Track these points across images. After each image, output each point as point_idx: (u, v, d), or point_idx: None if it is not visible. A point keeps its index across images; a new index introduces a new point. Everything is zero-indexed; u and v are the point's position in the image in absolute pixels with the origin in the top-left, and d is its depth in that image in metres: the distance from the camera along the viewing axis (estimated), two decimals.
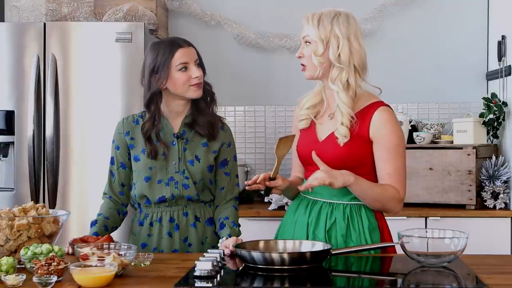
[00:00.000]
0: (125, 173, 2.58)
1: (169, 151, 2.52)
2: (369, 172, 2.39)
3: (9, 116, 3.65)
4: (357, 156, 2.35)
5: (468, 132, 3.84)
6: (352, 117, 2.33)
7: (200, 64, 2.55)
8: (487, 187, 3.71)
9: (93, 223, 2.51)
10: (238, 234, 2.50)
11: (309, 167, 2.44)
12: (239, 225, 2.55)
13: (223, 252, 2.20)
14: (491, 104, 3.83)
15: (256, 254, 2.01)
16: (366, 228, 2.36)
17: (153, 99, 2.52)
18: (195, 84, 2.49)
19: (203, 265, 1.94)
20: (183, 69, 2.48)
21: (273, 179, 2.34)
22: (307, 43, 2.38)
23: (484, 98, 3.91)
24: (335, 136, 2.36)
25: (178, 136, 2.55)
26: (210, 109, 2.59)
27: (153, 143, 2.51)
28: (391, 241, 2.44)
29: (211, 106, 2.59)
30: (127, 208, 2.62)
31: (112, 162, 2.59)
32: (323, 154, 2.35)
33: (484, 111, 3.89)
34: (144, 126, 2.53)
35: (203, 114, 2.55)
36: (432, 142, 3.94)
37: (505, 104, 3.81)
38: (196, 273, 1.94)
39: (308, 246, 2.19)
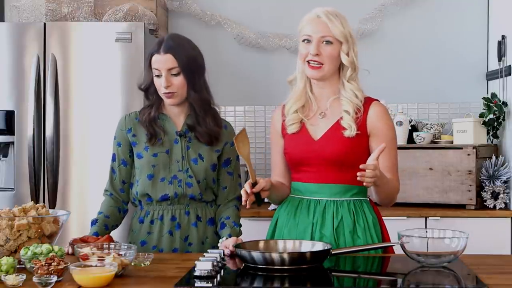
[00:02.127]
0: (126, 170, 2.58)
1: (172, 148, 2.53)
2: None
3: (9, 116, 3.65)
4: (356, 151, 2.37)
5: (468, 132, 3.84)
6: (358, 108, 2.37)
7: (184, 73, 2.46)
8: (487, 187, 3.71)
9: (94, 222, 2.50)
10: (238, 234, 2.50)
11: (301, 167, 2.44)
12: (240, 225, 2.55)
13: (223, 252, 2.20)
14: (491, 104, 3.83)
15: (256, 254, 2.01)
16: (371, 222, 2.39)
17: (149, 91, 2.54)
18: (163, 93, 2.48)
19: (203, 265, 1.94)
20: (157, 76, 2.48)
21: (255, 183, 2.27)
22: (326, 42, 2.36)
23: (484, 98, 3.91)
24: (335, 132, 2.38)
25: (181, 135, 2.54)
26: (206, 120, 2.53)
27: (152, 128, 2.51)
28: (388, 235, 2.46)
29: (207, 118, 2.54)
30: (128, 205, 2.62)
31: (113, 159, 2.59)
32: (322, 152, 2.38)
33: (484, 111, 3.89)
34: (141, 112, 2.56)
35: (202, 125, 2.53)
36: (432, 142, 3.94)
37: (505, 104, 3.81)
38: (196, 273, 1.94)
39: (308, 246, 2.19)
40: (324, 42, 2.36)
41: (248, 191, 2.25)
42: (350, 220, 2.38)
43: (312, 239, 2.37)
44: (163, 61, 2.45)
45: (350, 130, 2.35)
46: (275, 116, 2.55)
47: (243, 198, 2.26)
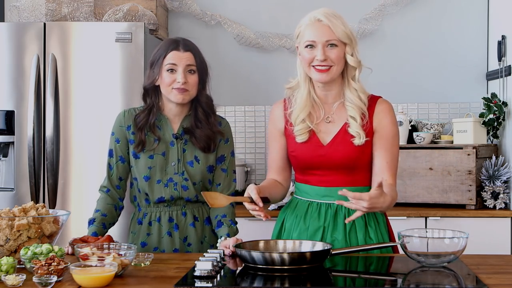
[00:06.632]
0: (124, 167, 2.57)
1: (168, 151, 2.52)
2: None
3: (9, 116, 3.65)
4: (367, 153, 2.36)
5: (468, 132, 3.85)
6: (363, 113, 2.36)
7: (199, 72, 2.51)
8: (487, 187, 3.71)
9: (91, 222, 2.50)
10: (236, 232, 2.49)
11: (309, 171, 2.42)
12: (236, 223, 2.55)
13: (223, 252, 2.20)
14: (491, 104, 3.83)
15: (256, 254, 2.01)
16: (381, 222, 2.40)
17: (149, 93, 2.54)
18: (177, 88, 2.47)
19: (203, 265, 1.94)
20: (170, 70, 2.48)
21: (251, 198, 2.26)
22: (331, 45, 2.31)
23: (484, 98, 3.91)
24: (343, 137, 2.36)
25: (177, 137, 2.54)
26: (209, 121, 2.55)
27: (142, 135, 2.51)
28: (393, 234, 2.46)
29: (210, 119, 2.55)
30: (123, 202, 2.61)
31: (110, 155, 2.58)
32: (332, 157, 2.35)
33: (484, 111, 3.89)
34: (138, 116, 2.54)
35: (201, 127, 2.54)
36: (432, 142, 3.94)
37: (505, 104, 3.81)
38: (196, 273, 1.94)
39: (308, 246, 2.19)
40: (329, 45, 2.32)
41: (256, 208, 2.23)
42: (362, 223, 2.37)
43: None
44: (183, 57, 2.48)
45: (359, 138, 2.33)
46: (276, 112, 2.51)
47: (260, 214, 2.23)
